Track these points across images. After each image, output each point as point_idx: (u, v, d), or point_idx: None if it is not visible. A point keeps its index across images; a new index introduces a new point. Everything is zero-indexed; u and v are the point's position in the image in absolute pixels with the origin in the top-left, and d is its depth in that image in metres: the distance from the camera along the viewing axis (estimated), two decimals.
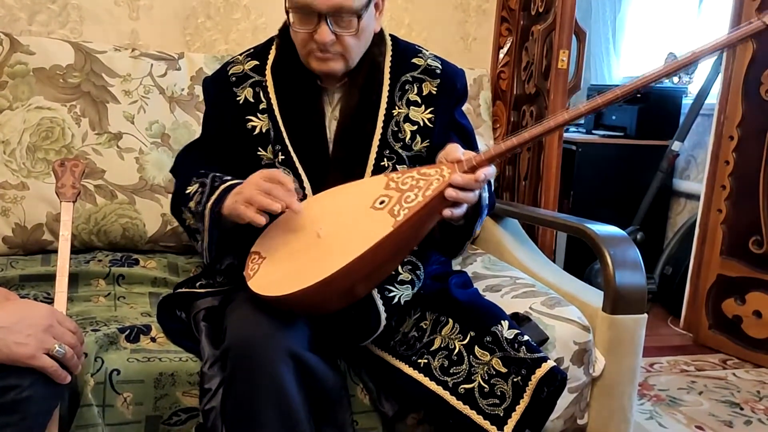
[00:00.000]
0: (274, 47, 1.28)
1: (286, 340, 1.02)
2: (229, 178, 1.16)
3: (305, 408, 1.03)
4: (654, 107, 3.01)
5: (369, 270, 1.05)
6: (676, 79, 3.24)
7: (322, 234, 1.06)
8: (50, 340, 0.92)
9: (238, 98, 1.25)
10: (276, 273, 1.05)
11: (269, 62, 1.27)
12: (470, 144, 1.32)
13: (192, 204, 1.18)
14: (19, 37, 1.60)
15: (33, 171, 1.54)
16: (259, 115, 1.24)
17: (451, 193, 1.02)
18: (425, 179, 1.07)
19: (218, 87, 1.29)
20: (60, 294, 1.08)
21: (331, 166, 1.22)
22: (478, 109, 2.01)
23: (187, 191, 1.20)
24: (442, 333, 1.16)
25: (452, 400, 1.11)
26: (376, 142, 1.23)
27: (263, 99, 1.25)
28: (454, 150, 1.08)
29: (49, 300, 1.24)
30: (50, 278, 1.30)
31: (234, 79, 1.27)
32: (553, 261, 1.86)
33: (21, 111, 1.55)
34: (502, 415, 1.09)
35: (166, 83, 1.67)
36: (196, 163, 1.27)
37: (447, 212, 1.04)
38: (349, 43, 1.16)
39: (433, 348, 1.15)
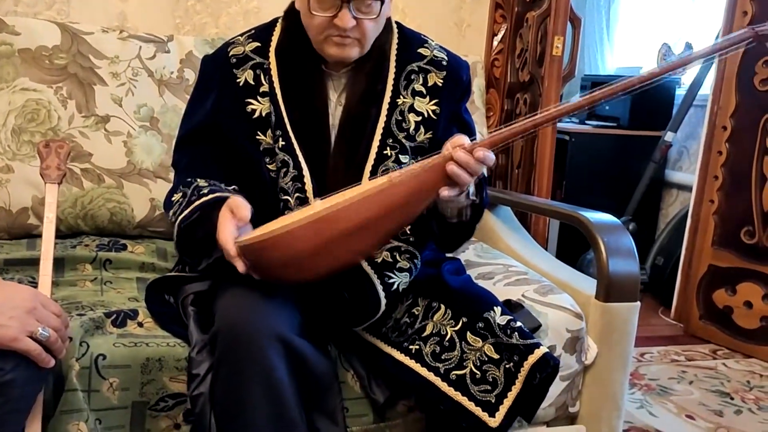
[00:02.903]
0: (278, 29, 1.25)
1: (276, 325, 1.01)
2: (206, 191, 1.13)
3: (295, 393, 1.02)
4: (647, 98, 2.96)
5: (352, 224, 0.98)
6: None
7: (317, 206, 1.03)
8: (33, 322, 0.89)
9: (238, 80, 1.22)
10: (260, 230, 1.03)
11: (273, 44, 1.24)
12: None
13: (170, 212, 1.18)
14: (4, 17, 1.57)
15: (18, 154, 1.51)
16: (259, 98, 1.21)
17: (453, 167, 1.00)
18: (426, 161, 1.05)
19: (218, 67, 1.25)
20: (44, 277, 1.06)
21: (331, 153, 1.20)
22: (472, 96, 1.99)
23: (173, 199, 1.19)
24: (434, 319, 1.15)
25: (444, 387, 1.10)
26: (379, 130, 1.20)
27: (264, 82, 1.22)
28: (460, 137, 1.07)
29: (34, 284, 1.21)
30: (35, 262, 1.27)
31: (234, 60, 1.23)
32: (546, 251, 1.85)
33: (6, 92, 1.52)
34: (493, 401, 1.09)
35: (154, 66, 1.64)
36: (190, 164, 1.24)
37: (444, 191, 1.01)
38: (368, 28, 1.15)
39: (425, 334, 1.14)
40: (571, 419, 1.42)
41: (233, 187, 1.19)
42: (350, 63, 1.21)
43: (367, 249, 1.06)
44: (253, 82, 1.22)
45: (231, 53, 1.24)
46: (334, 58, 1.18)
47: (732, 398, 2.03)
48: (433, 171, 1.01)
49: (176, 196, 1.18)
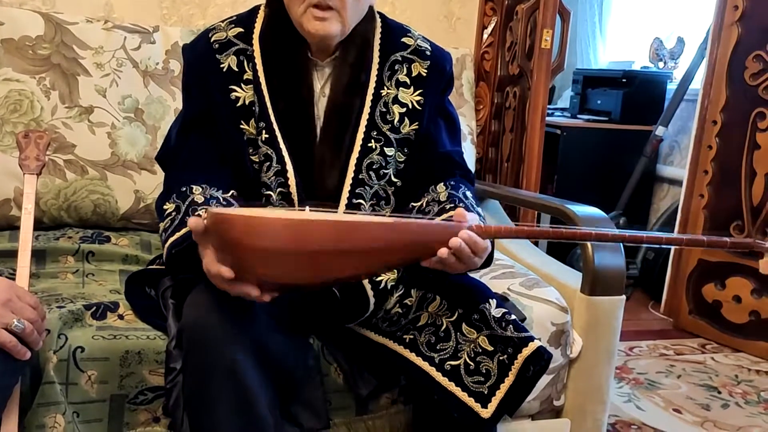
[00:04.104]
0: (260, 16, 1.22)
1: (242, 321, 0.99)
2: (200, 204, 1.07)
3: (263, 389, 1.00)
4: (639, 92, 3.00)
5: (339, 241, 0.91)
6: (661, 64, 3.23)
7: (308, 212, 0.99)
8: (8, 314, 0.88)
9: (221, 65, 1.18)
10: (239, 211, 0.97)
11: (256, 31, 1.20)
12: (454, 134, 1.30)
13: (161, 225, 1.12)
14: None
15: (0, 144, 1.50)
16: (242, 85, 1.18)
17: (456, 241, 0.95)
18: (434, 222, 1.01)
19: (200, 54, 1.20)
20: (22, 269, 1.05)
21: (316, 146, 1.18)
22: (461, 89, 1.98)
23: (165, 207, 1.13)
24: (429, 309, 1.15)
25: (438, 377, 1.09)
26: (363, 123, 1.18)
27: (248, 69, 1.18)
28: (467, 214, 1.02)
29: (14, 276, 1.20)
30: (17, 254, 1.26)
31: (217, 45, 1.19)
32: (536, 246, 1.84)
33: None
34: (486, 393, 1.08)
35: (140, 57, 1.62)
36: (189, 159, 1.18)
37: (443, 252, 0.96)
38: (347, 1, 1.11)
39: (420, 324, 1.14)
40: (556, 413, 1.42)
41: (232, 192, 1.13)
42: (334, 51, 1.19)
43: (348, 274, 0.97)
44: (236, 69, 1.18)
45: (213, 39, 1.20)
46: (315, 36, 1.14)
47: (719, 392, 2.04)
48: (436, 237, 0.96)
49: (169, 206, 1.11)
